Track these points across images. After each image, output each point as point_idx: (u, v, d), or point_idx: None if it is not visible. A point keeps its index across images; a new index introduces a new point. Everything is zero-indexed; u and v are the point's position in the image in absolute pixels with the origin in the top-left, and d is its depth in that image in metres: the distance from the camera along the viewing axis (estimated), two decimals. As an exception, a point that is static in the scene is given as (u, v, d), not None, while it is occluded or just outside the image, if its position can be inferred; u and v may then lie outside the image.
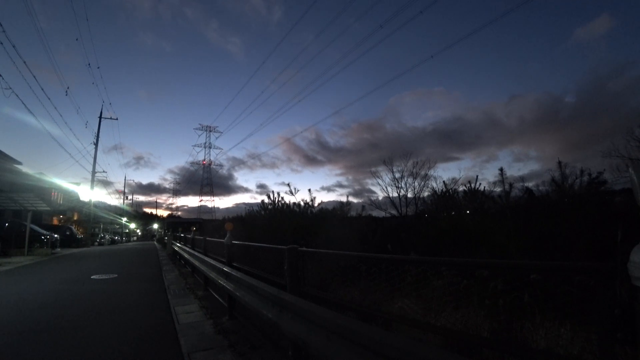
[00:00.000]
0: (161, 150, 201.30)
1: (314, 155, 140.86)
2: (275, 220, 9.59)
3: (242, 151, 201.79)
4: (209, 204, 73.97)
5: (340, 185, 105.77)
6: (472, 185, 10.41)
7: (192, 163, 73.07)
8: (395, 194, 13.36)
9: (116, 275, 8.68)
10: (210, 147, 72.67)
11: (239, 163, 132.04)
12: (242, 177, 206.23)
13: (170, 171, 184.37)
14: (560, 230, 6.25)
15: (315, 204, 10.22)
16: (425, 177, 13.07)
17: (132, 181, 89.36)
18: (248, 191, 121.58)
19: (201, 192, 73.06)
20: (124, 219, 52.19)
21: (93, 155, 32.00)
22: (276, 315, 2.70)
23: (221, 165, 79.91)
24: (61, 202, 29.64)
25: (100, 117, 32.69)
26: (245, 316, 4.37)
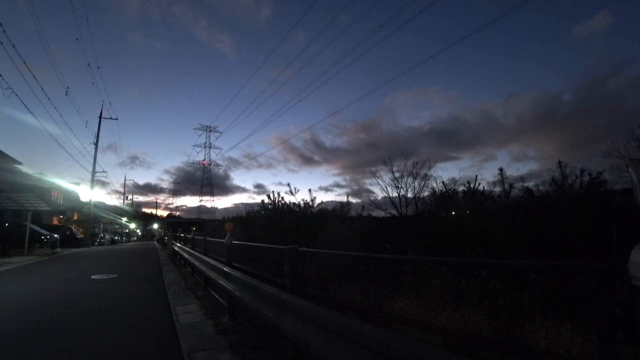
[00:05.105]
0: (156, 150, 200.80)
1: (311, 155, 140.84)
2: (276, 220, 9.60)
3: (237, 151, 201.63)
4: (209, 204, 74.03)
5: (338, 185, 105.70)
6: (472, 185, 10.44)
7: (192, 163, 73.11)
8: (395, 194, 13.38)
9: (116, 275, 8.68)
10: (210, 147, 72.71)
11: (235, 163, 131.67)
12: (238, 177, 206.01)
13: (166, 171, 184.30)
14: (560, 230, 6.25)
15: (315, 204, 10.24)
16: (425, 177, 13.11)
17: (131, 181, 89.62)
18: (245, 191, 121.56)
19: (201, 192, 73.12)
20: (124, 219, 52.16)
21: (93, 155, 32.05)
22: (276, 315, 2.69)
23: (219, 166, 79.95)
24: (61, 202, 29.57)
25: (100, 117, 32.69)
26: (245, 316, 4.37)
